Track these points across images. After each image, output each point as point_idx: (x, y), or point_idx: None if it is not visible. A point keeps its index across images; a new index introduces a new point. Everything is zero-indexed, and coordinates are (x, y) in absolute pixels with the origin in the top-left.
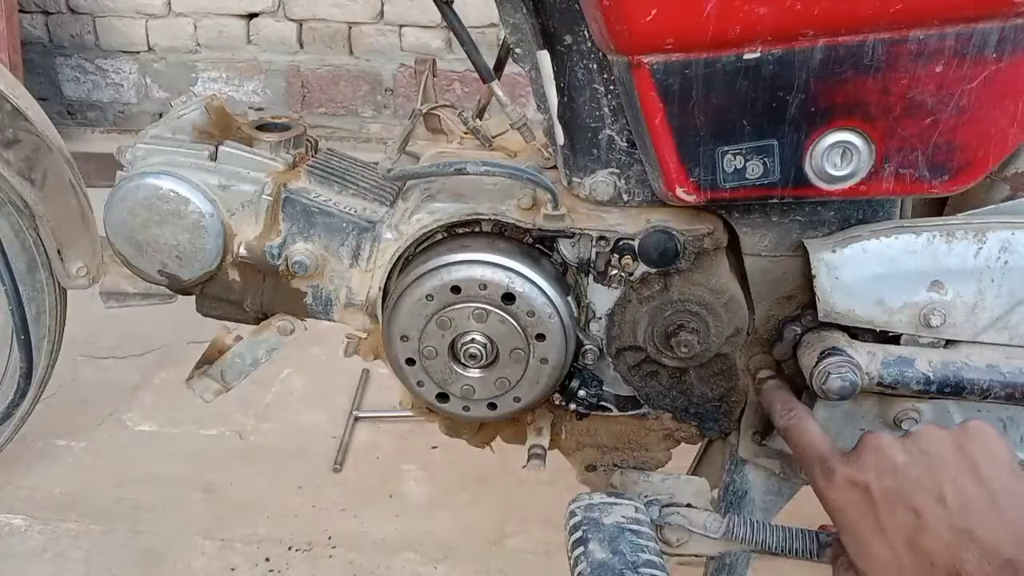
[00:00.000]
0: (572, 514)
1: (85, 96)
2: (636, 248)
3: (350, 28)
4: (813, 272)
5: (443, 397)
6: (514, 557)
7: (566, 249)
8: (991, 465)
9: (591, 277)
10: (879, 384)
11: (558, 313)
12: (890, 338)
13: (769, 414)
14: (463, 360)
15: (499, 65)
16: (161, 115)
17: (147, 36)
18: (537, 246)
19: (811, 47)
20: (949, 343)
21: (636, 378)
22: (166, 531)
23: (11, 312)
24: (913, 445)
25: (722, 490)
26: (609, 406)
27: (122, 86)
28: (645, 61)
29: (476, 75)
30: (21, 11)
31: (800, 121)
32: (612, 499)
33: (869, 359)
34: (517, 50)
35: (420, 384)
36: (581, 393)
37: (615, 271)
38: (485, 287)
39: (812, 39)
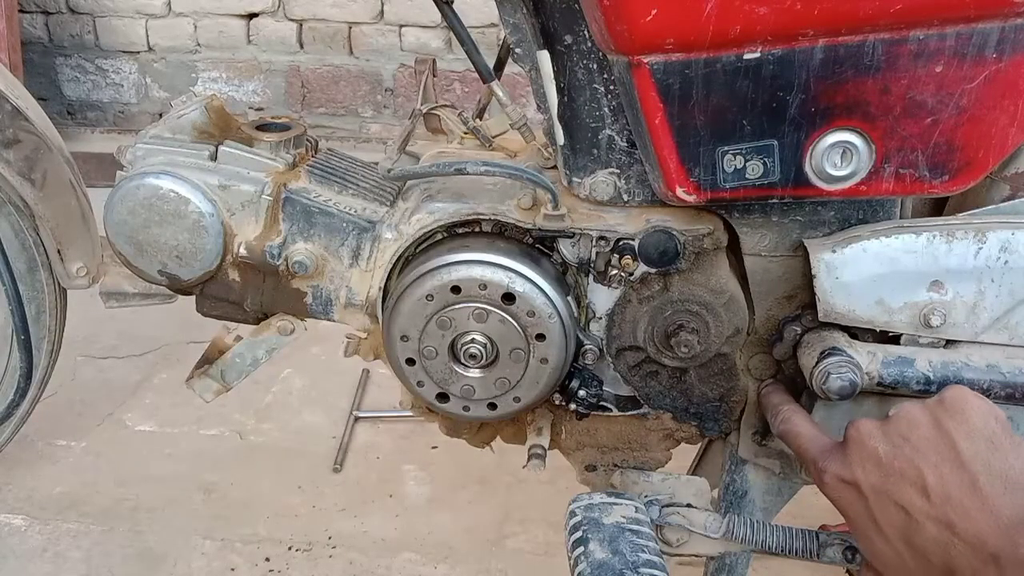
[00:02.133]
0: (572, 514)
1: (85, 96)
2: (636, 248)
3: (350, 28)
4: (813, 272)
5: (443, 397)
6: (514, 557)
7: (566, 249)
8: (971, 442)
9: (591, 277)
10: (879, 384)
11: (558, 313)
12: (890, 338)
13: (767, 420)
14: (463, 360)
15: (499, 65)
16: (161, 115)
17: (147, 36)
18: (537, 246)
19: (811, 47)
20: (949, 343)
21: (636, 378)
22: (166, 531)
23: (11, 312)
24: (894, 430)
25: (722, 490)
26: (609, 406)
27: (122, 86)
28: (645, 61)
29: (476, 75)
30: (21, 11)
31: (800, 121)
32: (612, 499)
33: (869, 359)
34: (517, 50)
35: (420, 384)
36: (581, 393)
37: (615, 271)
38: (485, 287)
39: (812, 39)
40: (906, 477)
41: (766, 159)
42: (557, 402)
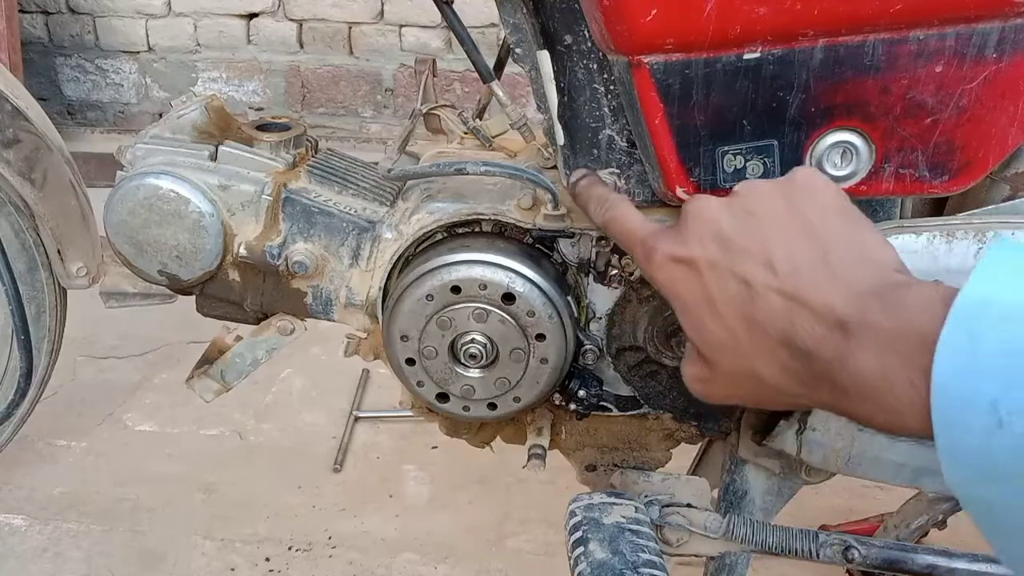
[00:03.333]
0: (572, 514)
1: (85, 96)
2: None
3: (350, 28)
4: None
5: (443, 397)
6: (514, 557)
7: (566, 249)
8: (821, 215)
9: (591, 277)
10: None
11: (558, 313)
12: None
13: (587, 215)
14: (463, 360)
15: (499, 65)
16: (161, 115)
17: (147, 36)
18: (537, 246)
19: (811, 47)
20: None
21: (636, 378)
22: (166, 531)
23: (11, 312)
24: (739, 205)
25: (722, 490)
26: (609, 406)
27: (122, 86)
28: (645, 61)
29: (476, 75)
30: (21, 11)
31: (800, 121)
32: (612, 499)
33: None
34: (517, 50)
35: (420, 384)
36: (581, 393)
37: (615, 271)
38: (485, 287)
39: (812, 39)
40: (749, 251)
41: (766, 159)
42: (557, 402)
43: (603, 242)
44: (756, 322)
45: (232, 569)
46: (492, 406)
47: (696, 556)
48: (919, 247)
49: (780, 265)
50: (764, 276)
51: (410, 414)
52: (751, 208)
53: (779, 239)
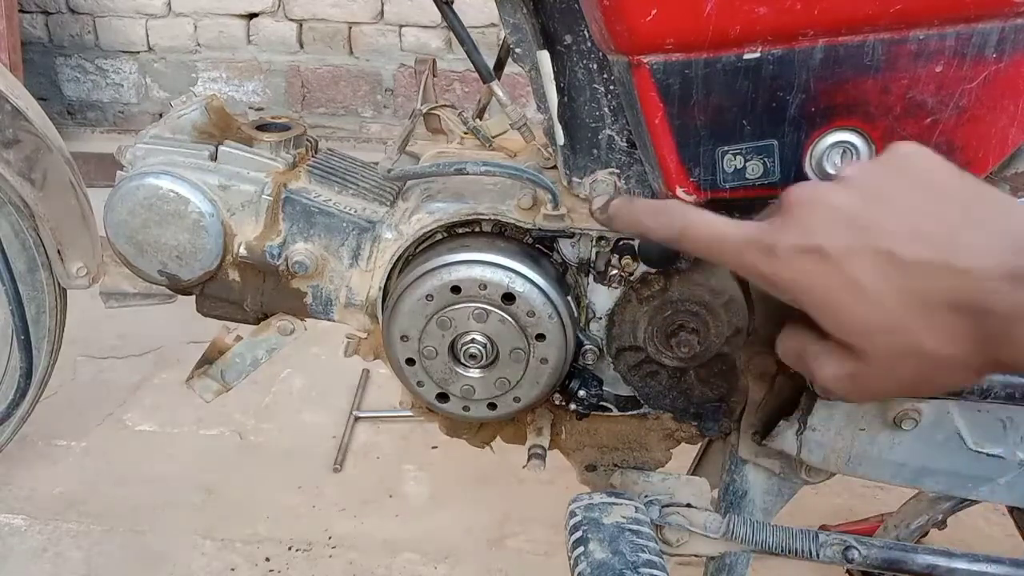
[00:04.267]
0: (572, 514)
1: (85, 96)
2: (636, 248)
3: (350, 28)
4: None
5: (443, 397)
6: (514, 557)
7: (566, 249)
8: (942, 177)
9: (591, 277)
10: None
11: (558, 313)
12: None
13: (638, 233)
14: (463, 360)
15: (499, 65)
16: (161, 115)
17: (147, 36)
18: (537, 246)
19: (811, 47)
20: None
21: (636, 378)
22: (166, 531)
23: (11, 312)
24: (856, 186)
25: (722, 490)
26: (609, 406)
27: (122, 86)
28: (645, 61)
29: (476, 75)
30: (21, 11)
31: (800, 121)
32: (612, 499)
33: None
34: (517, 50)
35: (420, 384)
36: (581, 393)
37: (615, 271)
38: (485, 287)
39: (812, 39)
40: (886, 227)
41: (766, 159)
42: (557, 402)
43: (603, 242)
44: (916, 294)
45: (232, 569)
46: (492, 406)
47: (696, 556)
48: None
49: (928, 232)
50: (913, 248)
51: (410, 414)
52: (870, 186)
53: (915, 208)
